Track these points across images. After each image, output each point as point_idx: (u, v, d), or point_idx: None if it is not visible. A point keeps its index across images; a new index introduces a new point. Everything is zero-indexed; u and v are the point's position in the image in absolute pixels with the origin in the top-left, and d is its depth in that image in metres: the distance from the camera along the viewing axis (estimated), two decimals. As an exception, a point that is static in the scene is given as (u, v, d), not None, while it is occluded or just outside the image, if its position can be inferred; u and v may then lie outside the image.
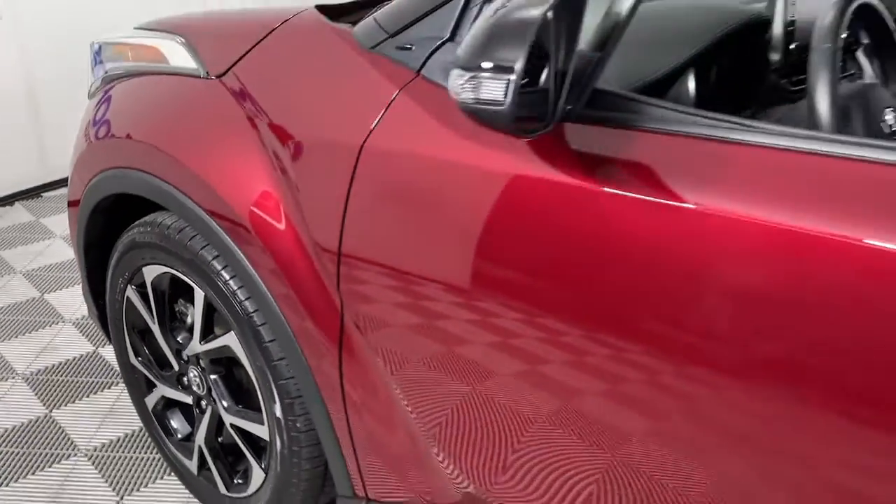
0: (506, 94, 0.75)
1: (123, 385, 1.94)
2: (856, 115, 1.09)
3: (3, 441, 1.96)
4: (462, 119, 0.86)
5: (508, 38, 0.75)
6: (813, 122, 1.01)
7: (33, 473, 1.86)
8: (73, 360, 2.31)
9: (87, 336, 2.43)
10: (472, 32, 0.80)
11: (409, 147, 1.08)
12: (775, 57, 1.37)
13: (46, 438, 1.98)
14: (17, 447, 1.94)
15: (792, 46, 1.38)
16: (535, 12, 0.75)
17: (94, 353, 2.34)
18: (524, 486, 1.12)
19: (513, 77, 0.74)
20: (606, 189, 0.89)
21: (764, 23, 1.32)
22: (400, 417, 1.25)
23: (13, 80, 3.42)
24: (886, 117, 1.14)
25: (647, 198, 0.86)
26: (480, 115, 0.80)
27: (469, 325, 1.06)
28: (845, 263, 0.74)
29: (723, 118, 0.86)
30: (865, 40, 1.25)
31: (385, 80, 1.13)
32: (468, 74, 0.77)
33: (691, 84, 1.18)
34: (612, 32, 0.90)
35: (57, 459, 1.91)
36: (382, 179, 1.12)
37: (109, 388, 2.17)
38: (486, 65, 0.76)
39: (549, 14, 0.75)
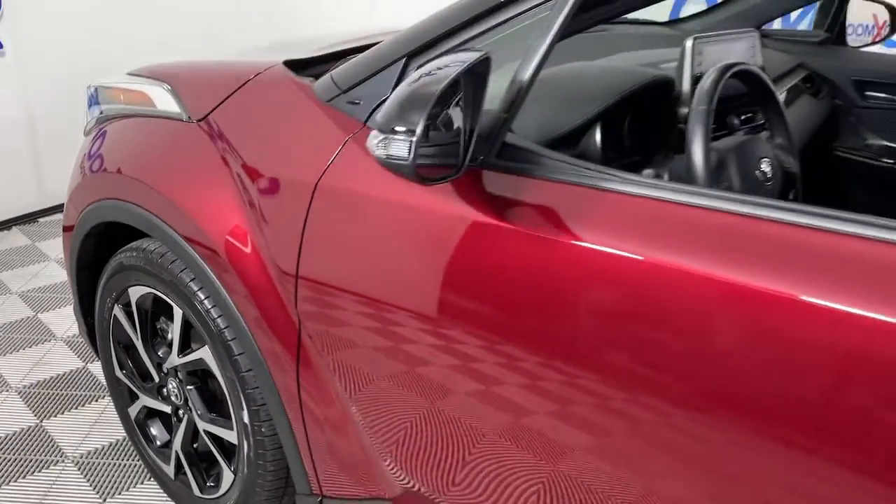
0: (409, 152, 0.94)
1: (109, 398, 2.10)
2: (732, 166, 1.28)
3: (-3, 448, 2.13)
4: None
5: (412, 108, 0.94)
6: (690, 172, 1.21)
7: (24, 477, 2.02)
8: (64, 374, 2.48)
9: (77, 353, 2.60)
10: (388, 101, 0.99)
11: (354, 186, 1.27)
12: (683, 111, 1.56)
13: (37, 446, 2.14)
14: (9, 454, 2.10)
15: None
16: (434, 88, 0.94)
17: (84, 368, 2.51)
18: (460, 483, 1.29)
19: (414, 139, 0.93)
20: (508, 226, 1.08)
21: (671, 82, 1.52)
22: (350, 424, 1.42)
23: (14, 112, 3.62)
24: (762, 166, 1.33)
25: (537, 234, 1.05)
26: (391, 168, 0.99)
27: (405, 342, 1.24)
28: (689, 290, 0.92)
29: (601, 170, 1.05)
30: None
31: (337, 129, 1.33)
32: (382, 135, 0.97)
33: (598, 137, 1.37)
34: (516, 97, 1.10)
35: (46, 465, 2.07)
36: (333, 212, 1.31)
37: (97, 400, 2.34)
38: (398, 128, 0.95)
39: (445, 90, 0.94)
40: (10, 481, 2.00)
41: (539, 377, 1.05)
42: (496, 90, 1.11)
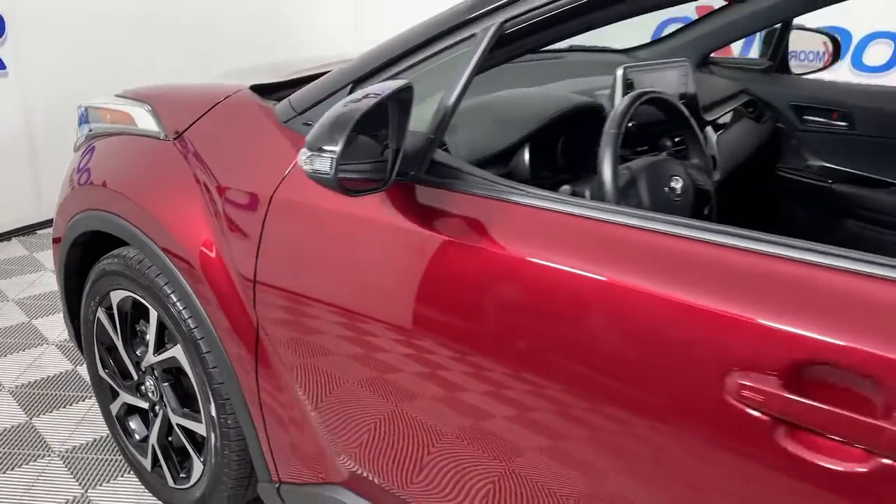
0: (330, 168, 1.09)
1: (95, 398, 2.25)
2: (642, 183, 1.43)
3: (-12, 443, 2.27)
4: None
5: (335, 130, 1.09)
6: (600, 189, 1.36)
7: (12, 470, 2.16)
8: (54, 376, 2.63)
9: (67, 356, 2.75)
10: (317, 123, 1.14)
11: (303, 198, 1.42)
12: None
13: (26, 441, 2.29)
14: (0, 448, 2.25)
15: (630, 124, 1.74)
16: (354, 113, 1.10)
17: (73, 370, 2.66)
18: (400, 467, 1.42)
19: (335, 156, 1.08)
20: (433, 234, 1.23)
21: (601, 107, 1.68)
22: (303, 416, 1.57)
23: (15, 128, 3.80)
24: (672, 184, 1.48)
25: (456, 241, 1.19)
26: (317, 181, 1.15)
27: (350, 341, 1.38)
28: (570, 287, 1.07)
29: (511, 185, 1.20)
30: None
31: (291, 147, 1.48)
32: (309, 153, 1.12)
33: (526, 157, 1.52)
34: (441, 120, 1.25)
35: (34, 459, 2.21)
36: (285, 222, 1.46)
37: (84, 400, 2.49)
38: (324, 147, 1.10)
39: (364, 114, 1.09)
40: (0, 473, 2.15)
41: (463, 369, 1.20)
42: (427, 114, 1.26)
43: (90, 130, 2.12)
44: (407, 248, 1.27)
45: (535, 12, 1.21)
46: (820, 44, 2.66)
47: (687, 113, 1.59)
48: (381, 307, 1.33)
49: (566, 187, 1.44)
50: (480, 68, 1.26)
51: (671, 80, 1.87)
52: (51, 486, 2.11)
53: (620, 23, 1.35)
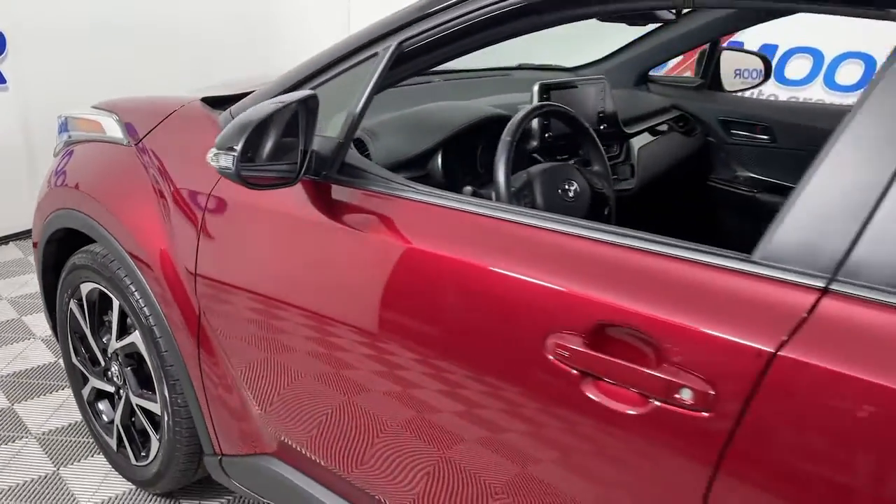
0: (232, 165, 1.28)
1: (99, 404, 2.43)
2: (537, 185, 1.60)
3: (-28, 425, 2.46)
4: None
5: (239, 132, 1.28)
6: (496, 190, 1.54)
7: (-8, 449, 2.36)
8: (38, 367, 2.82)
9: (51, 349, 2.94)
10: (226, 127, 1.33)
11: (234, 196, 1.60)
12: (534, 143, 1.90)
13: (6, 424, 2.48)
14: (-18, 430, 2.45)
15: (548, 135, 1.92)
16: (255, 118, 1.28)
17: (56, 362, 2.85)
18: (322, 436, 1.59)
19: (235, 155, 1.27)
20: (340, 226, 1.40)
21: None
22: (238, 394, 1.74)
23: (14, 139, 4.02)
24: (566, 187, 1.66)
25: (358, 231, 1.37)
26: (224, 176, 1.33)
27: (277, 326, 1.56)
28: (442, 268, 1.24)
29: (406, 184, 1.38)
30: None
31: (228, 152, 1.67)
32: (216, 151, 1.31)
33: (439, 161, 1.71)
34: (349, 128, 1.43)
35: (12, 440, 2.40)
36: (219, 218, 1.64)
37: (63, 389, 2.68)
38: (232, 146, 1.29)
39: (262, 120, 1.28)
40: (-20, 452, 2.34)
41: (364, 341, 1.37)
42: (339, 122, 1.45)
43: (68, 137, 2.32)
44: (318, 239, 1.46)
45: (427, 33, 1.40)
46: (759, 62, 2.83)
47: (586, 125, 1.77)
48: (298, 294, 1.51)
49: (468, 188, 1.62)
50: (384, 83, 1.44)
51: (589, 97, 2.05)
52: (26, 464, 2.29)
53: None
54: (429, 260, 1.25)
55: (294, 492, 1.68)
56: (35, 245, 2.34)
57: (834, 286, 0.89)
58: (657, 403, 0.98)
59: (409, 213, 1.34)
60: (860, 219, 0.88)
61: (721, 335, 0.93)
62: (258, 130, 1.29)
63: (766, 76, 2.67)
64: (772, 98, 3.74)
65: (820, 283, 0.89)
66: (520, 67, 2.68)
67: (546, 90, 1.95)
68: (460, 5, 1.35)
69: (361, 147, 1.73)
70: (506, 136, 1.57)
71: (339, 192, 1.46)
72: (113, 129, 2.06)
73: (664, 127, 2.47)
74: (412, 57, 1.46)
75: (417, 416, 1.33)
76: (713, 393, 0.93)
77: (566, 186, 1.65)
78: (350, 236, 1.39)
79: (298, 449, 1.66)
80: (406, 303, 1.30)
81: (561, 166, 1.69)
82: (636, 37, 2.62)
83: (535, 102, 1.93)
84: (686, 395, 0.95)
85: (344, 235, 1.41)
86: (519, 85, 2.51)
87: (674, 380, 0.96)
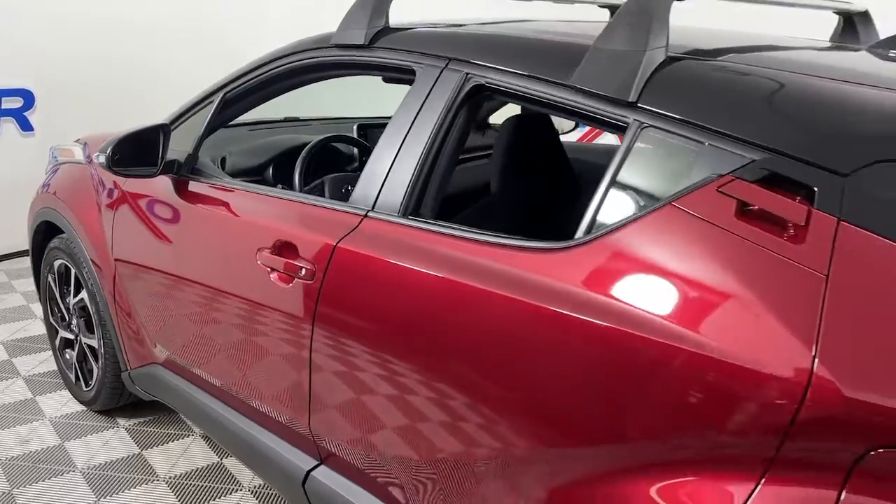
0: (106, 161, 2.18)
1: (68, 350, 3.34)
2: (327, 187, 2.45)
3: (-21, 370, 3.39)
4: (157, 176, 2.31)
5: (109, 143, 2.18)
6: (293, 186, 2.41)
7: (-9, 384, 3.26)
8: (34, 336, 3.75)
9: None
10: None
11: (135, 190, 2.51)
12: (354, 164, 2.78)
13: (5, 370, 3.39)
14: (-14, 373, 3.36)
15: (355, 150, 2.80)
16: (118, 136, 2.19)
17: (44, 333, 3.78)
18: (194, 349, 2.43)
19: (107, 154, 2.17)
20: (191, 206, 2.28)
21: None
22: (136, 324, 2.61)
23: (36, 177, 5.02)
24: (349, 188, 2.52)
25: (197, 207, 2.26)
26: (103, 168, 2.23)
27: (156, 279, 2.43)
28: (238, 221, 2.12)
29: (232, 181, 2.26)
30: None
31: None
32: (99, 153, 2.21)
33: (270, 171, 2.60)
34: (195, 146, 2.33)
35: (5, 380, 3.31)
36: (123, 208, 2.55)
37: (46, 351, 3.59)
38: (107, 150, 2.19)
39: (122, 137, 2.19)
40: (-18, 385, 3.25)
41: (209, 284, 2.22)
42: (191, 142, 2.35)
43: (56, 160, 3.28)
44: (174, 215, 2.35)
45: (239, 87, 2.29)
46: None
47: (368, 145, 2.65)
48: (165, 256, 2.39)
49: (279, 185, 2.51)
50: (219, 119, 2.35)
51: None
52: (11, 398, 3.19)
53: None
54: (231, 219, 2.13)
55: (171, 388, 2.53)
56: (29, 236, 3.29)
57: (370, 214, 1.74)
58: (296, 279, 1.83)
59: (231, 196, 2.21)
60: (379, 184, 1.74)
61: (318, 237, 1.79)
62: (127, 141, 2.19)
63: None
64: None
65: (363, 212, 1.74)
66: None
67: (363, 128, 2.85)
68: (257, 69, 2.24)
69: (224, 162, 2.63)
70: (303, 154, 2.46)
71: (193, 185, 2.35)
72: (78, 154, 3.01)
73: None
74: (236, 101, 2.36)
75: (223, 318, 2.19)
76: (314, 268, 1.78)
77: (349, 188, 2.51)
78: (196, 211, 2.27)
79: (173, 359, 2.52)
80: (216, 245, 2.17)
81: (346, 175, 2.55)
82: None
83: (354, 135, 2.82)
84: (304, 273, 1.80)
85: (193, 211, 2.29)
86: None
87: (300, 264, 1.81)
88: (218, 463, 2.76)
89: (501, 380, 1.44)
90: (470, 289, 1.47)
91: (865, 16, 2.08)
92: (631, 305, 1.25)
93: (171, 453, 2.81)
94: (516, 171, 2.16)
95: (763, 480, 1.10)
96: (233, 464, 2.75)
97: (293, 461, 1.97)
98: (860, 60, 1.78)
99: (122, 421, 3.02)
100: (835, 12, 2.08)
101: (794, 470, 1.08)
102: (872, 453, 1.02)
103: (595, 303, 1.29)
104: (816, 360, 1.06)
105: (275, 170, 2.61)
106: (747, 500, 1.11)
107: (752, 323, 1.14)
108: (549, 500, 1.38)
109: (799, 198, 1.16)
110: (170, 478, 2.66)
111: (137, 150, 2.24)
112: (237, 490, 2.61)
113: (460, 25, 1.90)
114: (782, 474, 1.09)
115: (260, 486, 2.63)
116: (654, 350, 1.20)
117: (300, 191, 2.42)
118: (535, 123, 2.28)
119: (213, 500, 2.55)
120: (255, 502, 2.55)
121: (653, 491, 1.21)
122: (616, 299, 1.27)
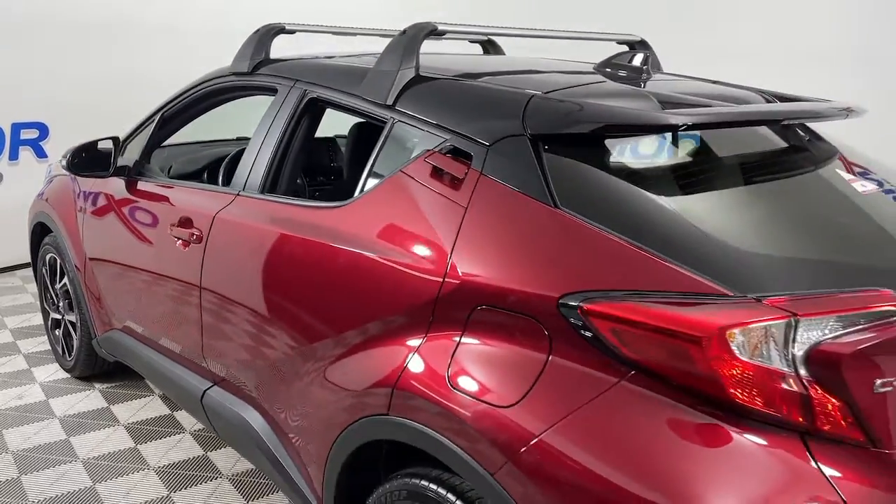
0: (67, 165, 2.86)
1: (56, 329, 4.02)
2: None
3: (-12, 348, 4.09)
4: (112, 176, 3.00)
5: (69, 152, 2.87)
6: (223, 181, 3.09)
7: (-4, 359, 3.96)
8: (38, 325, 4.45)
9: (47, 317, 4.59)
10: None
11: (98, 190, 3.20)
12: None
13: (6, 348, 4.09)
14: (-7, 351, 4.06)
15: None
16: (73, 148, 2.87)
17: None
18: (144, 317, 3.09)
19: (67, 159, 2.85)
20: (137, 200, 2.96)
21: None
22: (101, 299, 3.28)
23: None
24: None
25: (137, 201, 2.94)
26: (66, 169, 2.91)
27: (111, 263, 3.11)
28: (166, 202, 2.79)
29: (169, 180, 2.94)
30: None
31: (102, 170, 3.29)
32: (62, 159, 2.89)
33: (205, 175, 3.27)
34: (141, 154, 3.01)
35: (12, 358, 4.00)
36: (88, 207, 3.24)
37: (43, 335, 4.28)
38: (67, 157, 2.87)
39: (86, 146, 2.87)
40: (-12, 359, 3.95)
41: (146, 264, 2.91)
42: (137, 151, 3.04)
43: (51, 173, 4.01)
44: (123, 207, 3.03)
45: (172, 108, 2.98)
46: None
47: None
48: (118, 244, 3.06)
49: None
50: (160, 134, 3.04)
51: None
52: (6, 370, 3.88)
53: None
54: (158, 206, 2.80)
55: (123, 346, 3.19)
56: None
57: (241, 193, 2.39)
58: (191, 243, 2.48)
59: (162, 190, 2.87)
60: (247, 171, 2.40)
61: (205, 211, 2.44)
62: (84, 149, 2.89)
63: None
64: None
65: (236, 192, 2.40)
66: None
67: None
68: (183, 94, 2.92)
69: (169, 168, 3.32)
70: (225, 161, 3.13)
71: (140, 183, 3.03)
72: (61, 167, 3.73)
73: None
74: (171, 119, 3.04)
75: (152, 285, 2.85)
76: (202, 233, 2.43)
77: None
78: (137, 203, 2.95)
79: (126, 324, 3.18)
80: (148, 225, 2.84)
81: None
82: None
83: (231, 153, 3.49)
84: (195, 237, 2.45)
85: (135, 203, 2.96)
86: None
87: (193, 231, 2.46)
88: (168, 414, 3.40)
89: (312, 293, 2.07)
90: (291, 236, 2.12)
91: (643, 43, 2.70)
92: (375, 238, 1.88)
93: (132, 407, 3.47)
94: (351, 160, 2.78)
95: (428, 334, 1.72)
96: (183, 416, 3.39)
97: (194, 384, 2.60)
98: (563, 72, 2.32)
99: (97, 385, 3.69)
100: (617, 42, 2.70)
101: (441, 325, 1.70)
102: (477, 309, 1.63)
103: (356, 238, 1.92)
104: (452, 255, 1.68)
105: (208, 173, 3.29)
106: (419, 346, 1.72)
107: (427, 238, 1.76)
108: (338, 367, 1.98)
109: (463, 160, 1.79)
110: (128, 424, 3.31)
111: (93, 156, 2.93)
112: (179, 432, 3.25)
113: (309, 58, 2.56)
114: (436, 330, 1.71)
115: (240, 473, 3.26)
116: (381, 265, 1.83)
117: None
118: (365, 127, 2.85)
119: (156, 440, 3.19)
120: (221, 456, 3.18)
121: (380, 349, 1.82)
122: (367, 235, 1.90)
